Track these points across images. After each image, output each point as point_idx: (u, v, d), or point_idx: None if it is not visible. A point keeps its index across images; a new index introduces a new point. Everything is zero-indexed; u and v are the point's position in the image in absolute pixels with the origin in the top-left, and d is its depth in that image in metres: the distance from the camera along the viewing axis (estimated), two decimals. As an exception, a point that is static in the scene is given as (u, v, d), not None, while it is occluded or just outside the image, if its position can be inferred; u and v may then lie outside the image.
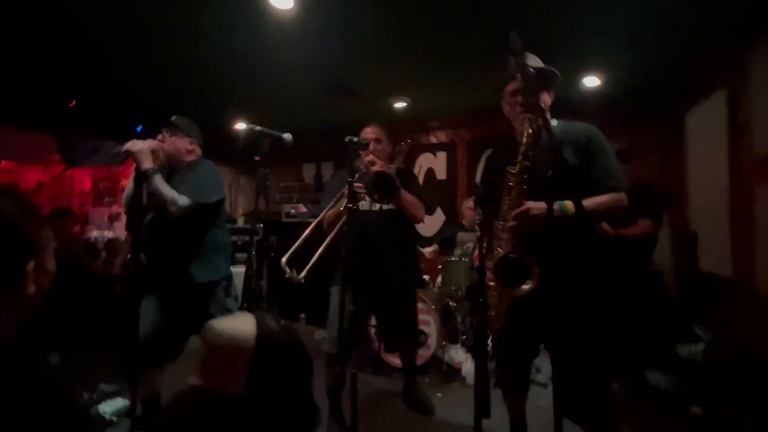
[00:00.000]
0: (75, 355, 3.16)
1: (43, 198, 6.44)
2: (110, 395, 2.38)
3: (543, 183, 1.24)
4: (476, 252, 1.66)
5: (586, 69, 3.01)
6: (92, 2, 2.18)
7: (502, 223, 1.32)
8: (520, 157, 1.31)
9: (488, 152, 4.38)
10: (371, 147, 1.98)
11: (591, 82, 3.21)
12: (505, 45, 1.06)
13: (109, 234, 6.31)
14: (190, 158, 2.11)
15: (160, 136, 2.00)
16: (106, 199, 6.96)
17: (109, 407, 2.29)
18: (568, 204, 1.22)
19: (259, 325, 0.83)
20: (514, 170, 1.32)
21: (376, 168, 1.79)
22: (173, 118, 2.06)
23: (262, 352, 0.80)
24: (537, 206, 1.27)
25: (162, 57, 2.89)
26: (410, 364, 2.45)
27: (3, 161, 6.64)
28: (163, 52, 2.83)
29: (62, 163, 4.89)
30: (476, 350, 1.07)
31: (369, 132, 2.05)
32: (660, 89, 3.35)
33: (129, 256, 3.97)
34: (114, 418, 2.24)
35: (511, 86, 1.49)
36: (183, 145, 2.07)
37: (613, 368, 2.29)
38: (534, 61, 1.44)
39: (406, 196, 1.93)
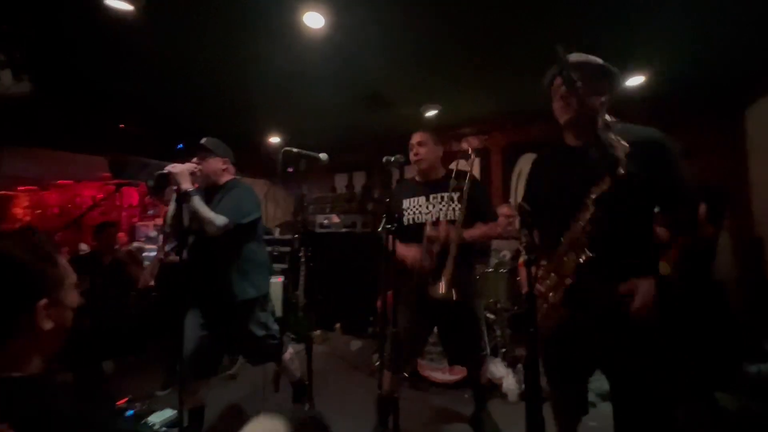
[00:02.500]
0: (128, 364, 3.34)
1: (96, 212, 6.94)
2: (160, 406, 2.47)
3: (595, 194, 1.12)
4: (521, 272, 1.59)
5: (630, 66, 2.84)
6: (139, 36, 2.31)
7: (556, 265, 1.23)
8: (592, 208, 1.12)
9: (525, 158, 4.33)
10: (415, 150, 2.05)
11: (635, 81, 3.03)
12: (552, 59, 1.00)
13: (151, 246, 6.68)
14: (226, 178, 2.17)
15: (195, 160, 2.06)
16: (150, 211, 7.40)
17: (158, 418, 2.38)
18: (664, 266, 1.14)
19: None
20: (582, 221, 1.16)
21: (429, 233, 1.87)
22: (203, 140, 2.12)
23: None
24: (645, 291, 1.14)
25: (200, 76, 3.02)
26: (478, 384, 2.24)
27: (61, 180, 7.22)
28: (201, 72, 2.95)
29: (115, 182, 5.21)
30: (528, 384, 1.00)
31: (415, 137, 2.09)
32: (715, 84, 3.10)
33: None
34: (163, 429, 2.32)
35: (559, 81, 1.32)
36: (217, 165, 2.14)
37: (676, 391, 2.11)
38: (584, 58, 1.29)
39: (473, 233, 1.94)
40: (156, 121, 4.08)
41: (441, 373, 2.85)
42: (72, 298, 0.70)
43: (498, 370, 2.88)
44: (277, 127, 4.39)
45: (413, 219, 2.05)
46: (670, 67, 2.83)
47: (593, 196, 1.12)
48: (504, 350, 3.05)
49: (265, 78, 3.01)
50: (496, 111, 3.97)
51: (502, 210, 3.68)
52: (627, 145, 1.05)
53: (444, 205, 1.97)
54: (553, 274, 1.27)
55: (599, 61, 1.27)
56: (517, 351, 3.18)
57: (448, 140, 4.62)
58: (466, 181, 1.89)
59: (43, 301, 0.64)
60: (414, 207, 2.06)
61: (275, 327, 2.25)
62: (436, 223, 1.94)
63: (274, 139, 4.70)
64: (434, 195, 2.03)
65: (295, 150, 1.55)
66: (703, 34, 2.38)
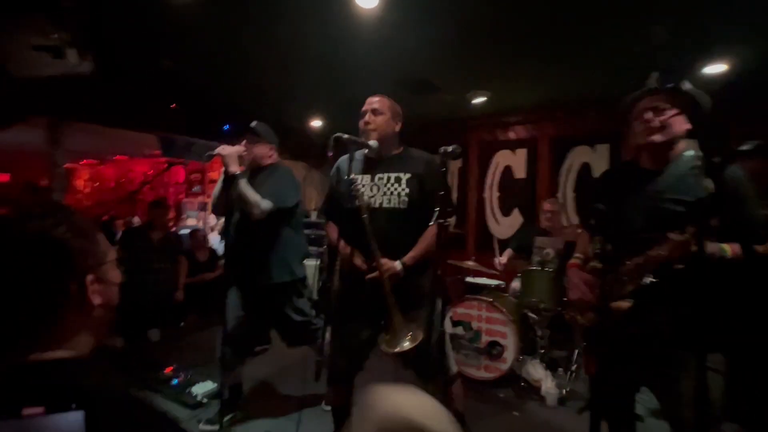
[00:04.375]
0: (173, 334, 3.53)
1: (146, 188, 7.35)
2: (202, 378, 2.58)
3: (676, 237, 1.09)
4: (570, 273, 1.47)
5: (710, 52, 2.53)
6: (190, 18, 2.32)
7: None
8: (668, 248, 1.10)
9: (577, 151, 3.99)
10: (368, 117, 1.70)
11: (715, 69, 2.71)
12: (649, 40, 0.88)
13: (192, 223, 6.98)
14: (269, 162, 2.20)
15: (244, 143, 2.09)
16: (195, 187, 7.72)
17: (200, 389, 2.48)
18: (726, 248, 1.05)
19: None
20: (682, 237, 1.09)
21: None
22: (254, 124, 2.14)
23: None
24: None
25: (249, 58, 3.03)
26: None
27: (117, 156, 7.66)
28: (250, 54, 2.95)
29: (165, 160, 5.45)
30: (593, 399, 0.92)
31: (371, 102, 1.77)
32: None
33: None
34: (204, 400, 2.43)
35: (645, 103, 1.29)
36: (264, 151, 2.17)
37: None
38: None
39: (415, 254, 1.63)
40: (203, 102, 4.16)
41: (476, 370, 2.79)
42: (114, 274, 0.72)
43: (536, 371, 2.78)
44: (320, 110, 4.37)
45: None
46: (750, 54, 2.49)
47: (674, 237, 1.10)
48: (543, 351, 2.94)
49: (312, 60, 2.97)
50: (547, 99, 3.73)
51: (545, 206, 3.48)
52: (712, 188, 1.01)
53: (388, 188, 1.65)
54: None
55: (689, 87, 1.25)
56: (556, 353, 3.05)
57: (494, 129, 4.42)
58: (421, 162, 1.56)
59: (90, 277, 0.65)
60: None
61: (312, 313, 2.26)
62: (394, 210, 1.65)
63: (316, 123, 4.69)
64: (381, 175, 1.68)
65: (345, 136, 1.50)
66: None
